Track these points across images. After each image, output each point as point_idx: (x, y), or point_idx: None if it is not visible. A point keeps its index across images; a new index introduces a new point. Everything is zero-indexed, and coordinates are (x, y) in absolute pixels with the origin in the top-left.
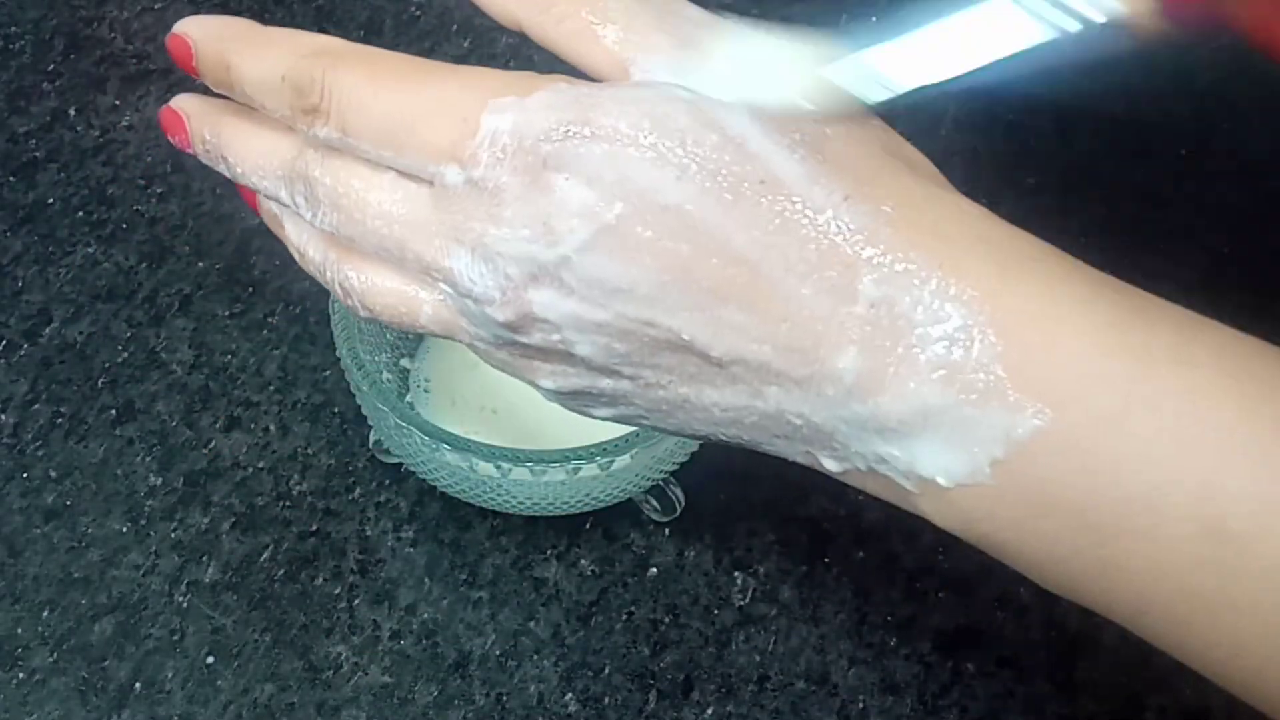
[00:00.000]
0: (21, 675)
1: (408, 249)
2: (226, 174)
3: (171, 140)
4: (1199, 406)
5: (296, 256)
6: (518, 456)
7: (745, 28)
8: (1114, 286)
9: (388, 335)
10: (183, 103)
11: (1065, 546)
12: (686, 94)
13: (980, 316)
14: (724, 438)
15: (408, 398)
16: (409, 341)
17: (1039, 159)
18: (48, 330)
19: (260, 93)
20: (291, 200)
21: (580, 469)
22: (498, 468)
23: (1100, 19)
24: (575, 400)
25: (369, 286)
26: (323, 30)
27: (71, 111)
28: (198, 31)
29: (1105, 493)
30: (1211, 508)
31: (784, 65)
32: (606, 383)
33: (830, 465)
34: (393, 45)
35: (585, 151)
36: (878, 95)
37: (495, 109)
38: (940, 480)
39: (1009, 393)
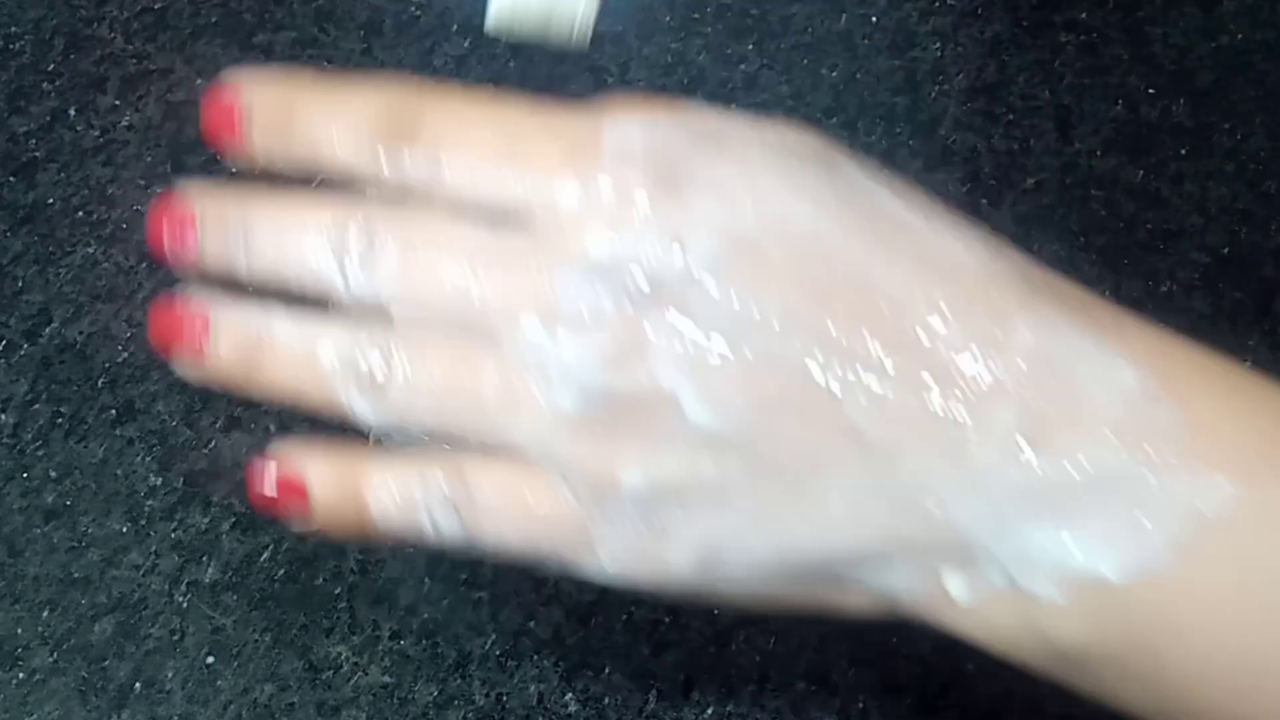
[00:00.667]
0: (21, 675)
1: (490, 287)
2: (237, 266)
3: (170, 254)
4: None
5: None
6: None
7: None
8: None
9: None
10: (185, 191)
11: (1235, 653)
12: (814, 133)
13: (1151, 376)
14: (818, 578)
15: None
16: None
17: (1039, 159)
18: (48, 330)
19: (331, 128)
20: (338, 269)
21: None
22: None
23: None
24: (660, 510)
25: (417, 361)
26: (322, 30)
27: (71, 111)
28: (254, 75)
29: None
30: None
31: None
32: (709, 469)
33: (957, 587)
34: (393, 45)
35: (718, 168)
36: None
37: (618, 123)
38: (1106, 573)
39: (1194, 461)
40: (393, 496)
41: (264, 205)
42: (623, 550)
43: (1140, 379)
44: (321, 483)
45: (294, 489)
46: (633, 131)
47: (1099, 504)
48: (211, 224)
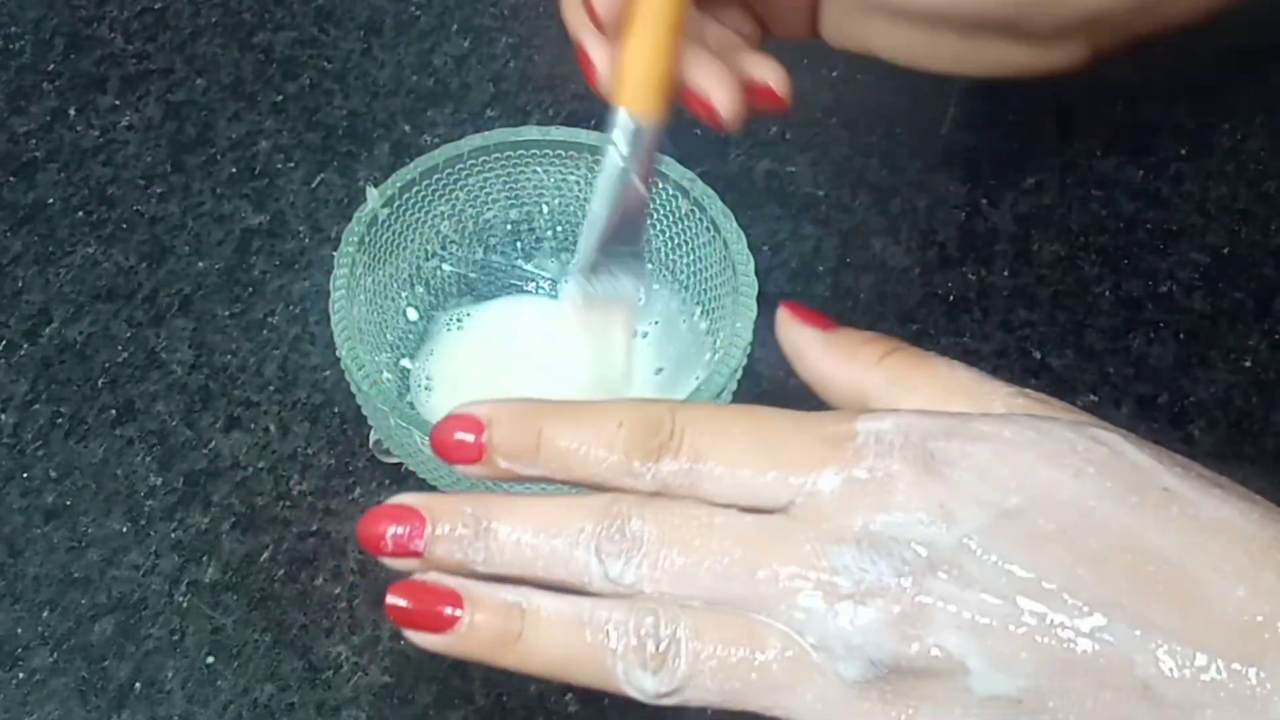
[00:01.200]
0: (21, 675)
1: (761, 567)
2: (470, 563)
3: (385, 541)
4: None
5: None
6: None
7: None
8: None
9: (387, 335)
10: (416, 500)
11: None
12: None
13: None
14: None
15: (408, 398)
16: (409, 341)
17: (1039, 159)
18: (48, 330)
19: (582, 447)
20: (588, 560)
21: None
22: None
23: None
24: None
25: (702, 634)
26: (322, 30)
27: (71, 111)
28: (496, 407)
29: None
30: None
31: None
32: None
33: None
34: (393, 45)
35: (974, 449)
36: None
37: (871, 417)
38: None
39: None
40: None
41: (508, 503)
42: None
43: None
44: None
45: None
46: (886, 423)
47: None
48: (441, 518)
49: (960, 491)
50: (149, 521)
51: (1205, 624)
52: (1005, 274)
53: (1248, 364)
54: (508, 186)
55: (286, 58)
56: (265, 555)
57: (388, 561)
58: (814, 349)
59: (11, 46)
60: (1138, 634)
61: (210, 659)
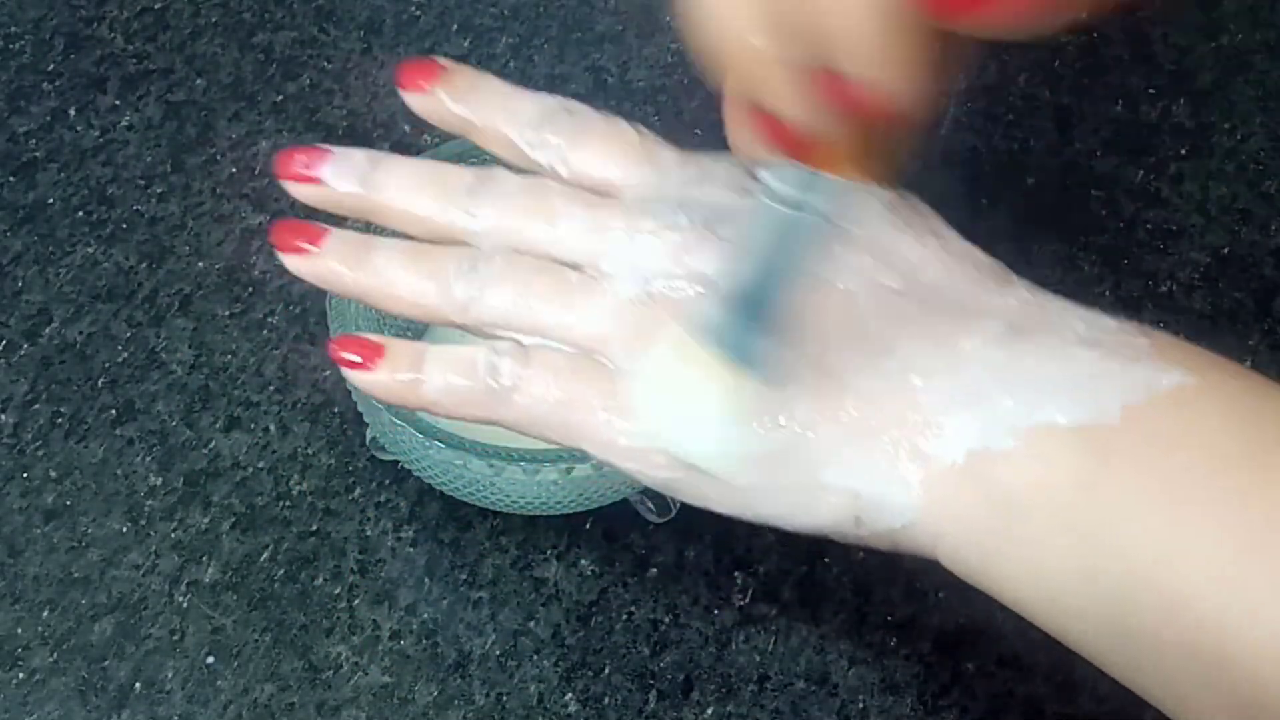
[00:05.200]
0: (21, 675)
1: (594, 222)
2: (360, 193)
3: (296, 178)
4: None
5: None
6: (511, 455)
7: None
8: None
9: (387, 333)
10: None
11: (1179, 500)
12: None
13: (1130, 323)
14: (795, 473)
15: None
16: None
17: (1039, 159)
18: (48, 330)
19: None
20: (457, 195)
21: (574, 469)
22: (491, 466)
23: None
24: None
25: (510, 261)
26: (322, 30)
27: (71, 111)
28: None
29: (1244, 432)
30: None
31: None
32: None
33: (933, 448)
34: (393, 45)
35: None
36: None
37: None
38: (1059, 419)
39: (1156, 360)
40: (460, 354)
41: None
42: (642, 414)
43: (1119, 323)
44: (397, 345)
45: (370, 347)
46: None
47: (1067, 380)
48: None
49: (763, 186)
50: (149, 521)
51: (928, 292)
52: None
53: (1248, 364)
54: None
55: (286, 58)
56: (265, 555)
57: (291, 188)
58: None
59: (11, 46)
60: (870, 282)
61: (210, 659)
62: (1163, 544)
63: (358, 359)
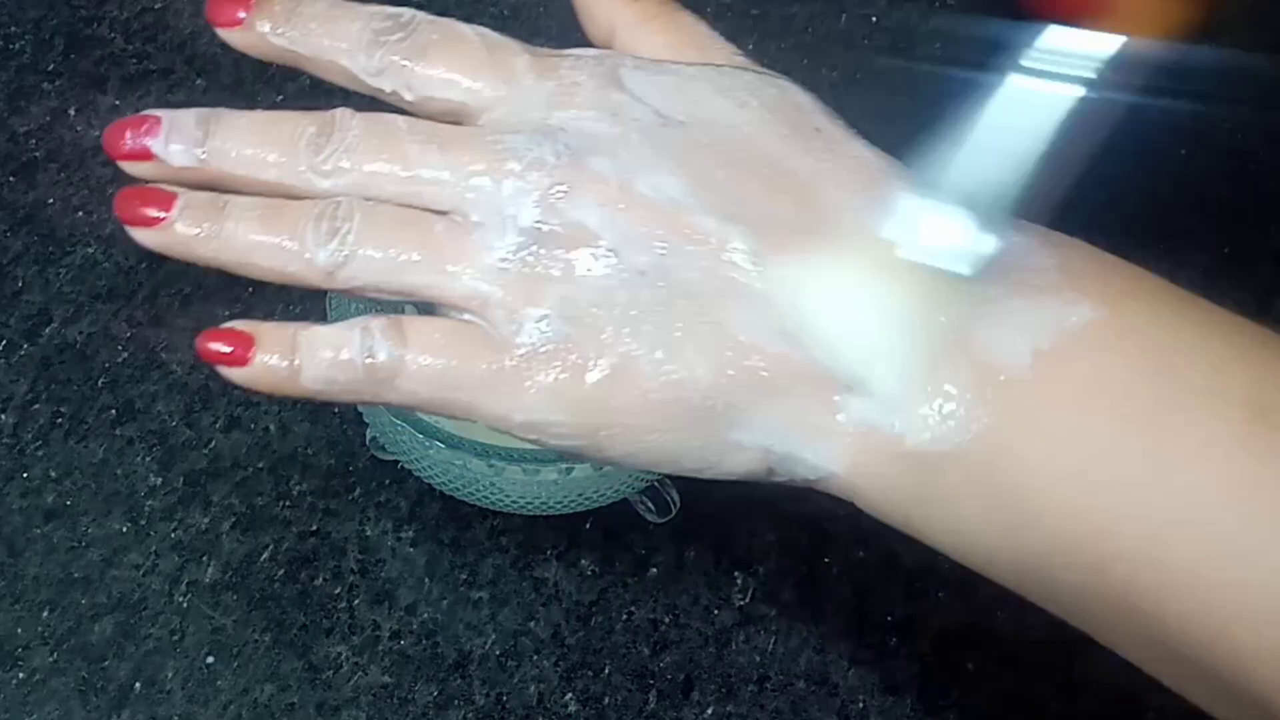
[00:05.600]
0: (21, 675)
1: (447, 159)
2: (198, 166)
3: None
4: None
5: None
6: (510, 454)
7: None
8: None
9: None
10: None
11: (1099, 451)
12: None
13: (1033, 237)
14: (709, 424)
15: None
16: None
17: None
18: (48, 330)
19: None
20: (299, 147)
21: (573, 469)
22: (490, 465)
23: None
24: (570, 341)
25: (369, 215)
26: None
27: (71, 111)
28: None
29: (1156, 382)
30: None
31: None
32: (622, 292)
33: (841, 405)
34: None
35: (657, 79)
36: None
37: (583, 50)
38: (966, 374)
39: (1064, 291)
40: (332, 333)
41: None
42: (537, 385)
43: (1022, 239)
44: (268, 330)
45: (241, 336)
46: (591, 51)
47: (977, 327)
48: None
49: (632, 103)
50: (149, 521)
51: (822, 219)
52: None
53: None
54: None
55: None
56: (265, 555)
57: (127, 167)
58: None
59: (11, 46)
60: (763, 229)
61: (210, 659)
62: (1077, 508)
63: (228, 350)
